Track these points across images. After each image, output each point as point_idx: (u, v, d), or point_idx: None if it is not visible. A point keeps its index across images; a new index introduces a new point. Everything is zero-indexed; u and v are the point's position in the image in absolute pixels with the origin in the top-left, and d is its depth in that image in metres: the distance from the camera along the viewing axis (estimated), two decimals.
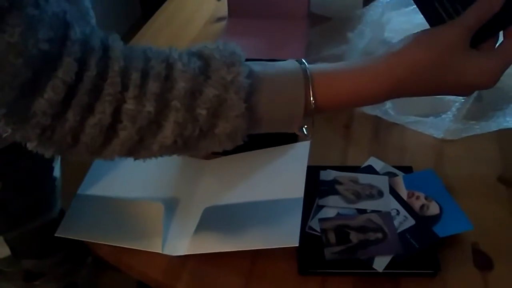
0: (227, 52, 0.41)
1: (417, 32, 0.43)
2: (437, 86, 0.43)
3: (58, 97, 0.35)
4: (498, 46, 0.44)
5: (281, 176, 0.58)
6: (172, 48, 0.41)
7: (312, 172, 0.58)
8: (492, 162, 0.63)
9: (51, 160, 0.66)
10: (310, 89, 0.42)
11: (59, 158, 0.68)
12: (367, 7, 0.88)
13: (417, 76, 0.42)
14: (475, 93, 0.70)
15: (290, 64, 0.44)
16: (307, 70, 0.43)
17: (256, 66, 0.43)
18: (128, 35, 0.94)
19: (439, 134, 0.67)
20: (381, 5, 0.86)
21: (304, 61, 0.44)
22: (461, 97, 0.69)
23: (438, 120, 0.67)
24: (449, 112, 0.69)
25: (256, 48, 0.87)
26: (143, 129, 0.39)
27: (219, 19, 0.97)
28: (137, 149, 0.41)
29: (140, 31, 0.95)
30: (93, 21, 0.56)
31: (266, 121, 0.43)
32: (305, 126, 0.45)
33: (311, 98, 0.42)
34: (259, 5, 0.94)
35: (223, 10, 0.96)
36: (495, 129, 0.65)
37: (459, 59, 0.42)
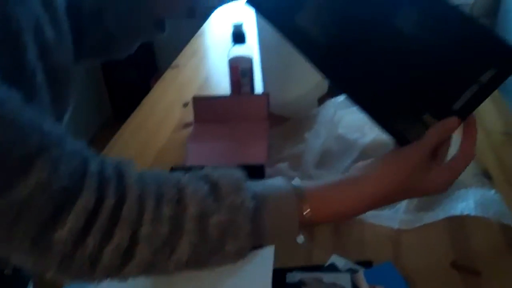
0: (233, 178, 0.47)
1: (387, 155, 0.53)
2: (404, 197, 0.56)
3: (78, 226, 0.38)
4: (450, 161, 0.53)
5: (246, 283, 0.60)
6: (180, 174, 0.46)
7: (278, 276, 0.61)
8: (444, 248, 0.68)
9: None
10: (304, 205, 0.49)
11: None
12: (321, 106, 0.97)
13: (391, 193, 0.51)
14: None
15: (281, 183, 0.50)
16: (300, 189, 0.50)
17: (257, 188, 0.48)
18: (99, 134, 0.99)
19: (395, 225, 0.72)
20: (333, 105, 0.94)
21: (295, 183, 0.51)
22: None
23: (392, 212, 0.73)
24: (402, 203, 0.75)
25: (221, 151, 0.94)
26: (158, 250, 0.42)
27: (186, 125, 1.03)
28: (153, 268, 0.44)
29: (110, 142, 1.00)
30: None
31: (268, 236, 0.49)
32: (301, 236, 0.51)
33: (305, 213, 0.49)
34: (223, 110, 1.02)
35: (190, 116, 1.03)
36: (442, 217, 0.70)
37: (421, 177, 0.51)
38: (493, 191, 0.75)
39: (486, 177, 0.80)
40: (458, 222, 0.71)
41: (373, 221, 0.73)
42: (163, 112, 1.10)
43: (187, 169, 0.82)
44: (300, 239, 0.50)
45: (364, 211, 0.51)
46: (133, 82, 2.52)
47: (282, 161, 0.85)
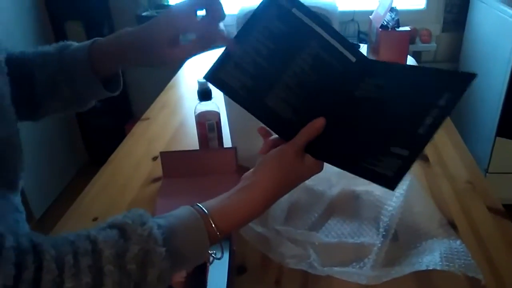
0: (136, 215, 0.51)
1: (267, 158, 0.60)
2: (290, 187, 0.61)
3: None
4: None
5: None
6: (88, 229, 0.49)
7: None
8: None
9: None
10: (210, 222, 0.54)
11: None
12: None
13: (279, 188, 0.59)
14: (391, 235, 0.77)
15: (185, 209, 0.55)
16: (202, 208, 0.55)
17: (161, 220, 0.52)
18: (76, 178, 0.97)
19: (362, 281, 0.72)
20: None
21: (198, 204, 0.56)
22: (378, 242, 0.76)
23: (359, 269, 0.72)
24: (370, 257, 0.75)
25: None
26: None
27: (155, 180, 1.03)
28: None
29: (77, 199, 0.99)
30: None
31: (183, 258, 0.53)
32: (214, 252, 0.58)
33: (212, 228, 0.54)
34: (191, 164, 1.01)
35: (158, 171, 1.03)
36: (409, 272, 0.70)
37: (299, 167, 0.60)
38: (458, 242, 0.76)
39: (452, 227, 0.82)
40: (425, 276, 0.71)
41: (341, 277, 0.72)
42: (133, 166, 1.09)
43: None
44: (217, 255, 0.58)
45: (264, 210, 0.58)
46: (108, 127, 2.51)
47: None
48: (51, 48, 0.72)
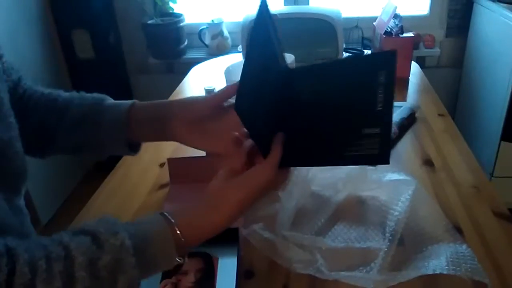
0: (109, 223, 0.53)
1: (237, 181, 0.59)
2: (253, 203, 0.59)
3: None
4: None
5: None
6: (61, 232, 0.52)
7: None
8: None
9: None
10: (178, 233, 0.55)
11: None
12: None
13: (244, 206, 0.58)
14: (397, 239, 0.78)
15: (154, 218, 0.57)
16: (172, 220, 0.56)
17: (132, 228, 0.54)
18: (82, 184, 0.98)
19: (369, 285, 0.72)
20: None
21: (166, 213, 0.57)
22: (384, 246, 0.77)
23: (366, 273, 0.73)
24: (376, 261, 0.75)
25: None
26: None
27: (162, 186, 1.04)
28: None
29: (86, 205, 1.00)
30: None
31: (152, 266, 0.54)
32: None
33: (180, 239, 0.55)
34: (198, 171, 1.02)
35: (166, 177, 1.04)
36: (415, 276, 0.71)
37: (270, 187, 0.60)
38: (464, 246, 0.77)
39: (458, 231, 0.82)
40: (432, 280, 0.72)
41: (348, 282, 0.73)
42: (140, 172, 1.10)
43: None
44: (181, 260, 0.58)
45: (227, 226, 0.58)
46: None
47: (257, 222, 0.85)
48: (89, 97, 0.75)
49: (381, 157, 0.58)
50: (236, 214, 0.58)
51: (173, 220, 0.56)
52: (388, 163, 0.57)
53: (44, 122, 0.74)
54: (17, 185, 0.65)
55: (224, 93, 0.67)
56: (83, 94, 0.76)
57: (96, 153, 0.77)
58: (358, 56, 0.59)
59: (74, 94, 0.76)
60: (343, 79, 0.59)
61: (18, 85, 0.75)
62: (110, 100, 0.75)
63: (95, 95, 0.76)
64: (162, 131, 0.70)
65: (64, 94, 0.77)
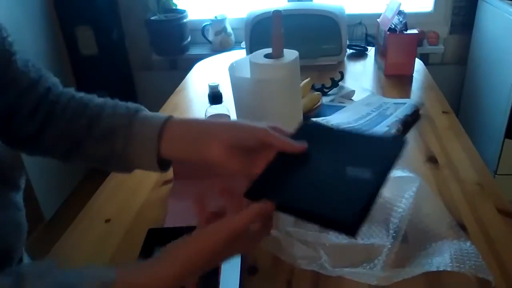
0: (42, 267, 0.49)
1: (187, 242, 0.54)
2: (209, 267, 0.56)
3: None
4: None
5: None
6: None
7: None
8: None
9: None
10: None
11: None
12: None
13: (194, 270, 0.54)
14: (401, 236, 0.78)
15: (92, 271, 0.51)
16: (111, 278, 0.50)
17: (68, 275, 0.50)
18: (86, 180, 0.99)
19: (373, 281, 0.72)
20: None
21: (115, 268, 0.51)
22: (388, 243, 0.77)
23: (369, 270, 0.73)
24: (380, 258, 0.75)
25: None
26: None
27: (166, 182, 1.04)
28: None
29: (89, 201, 1.00)
30: None
31: None
32: None
33: None
34: (202, 167, 1.02)
35: (169, 173, 1.04)
36: (419, 273, 0.71)
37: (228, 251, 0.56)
38: (468, 243, 0.76)
39: (462, 228, 0.82)
40: (435, 277, 0.72)
41: (351, 278, 0.73)
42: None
43: (164, 231, 0.82)
44: None
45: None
46: None
47: None
48: (122, 106, 0.71)
49: (348, 225, 0.50)
50: (186, 270, 0.52)
51: (113, 281, 0.50)
52: (353, 235, 0.50)
53: (71, 129, 0.69)
54: (13, 179, 0.64)
55: (279, 143, 0.62)
56: (117, 102, 0.72)
57: (123, 167, 0.71)
58: (377, 137, 0.66)
59: (108, 101, 0.72)
60: (357, 149, 0.60)
61: (50, 91, 0.72)
62: (144, 112, 0.70)
63: (130, 104, 0.71)
64: (196, 150, 0.65)
65: (97, 100, 0.72)
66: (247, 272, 0.76)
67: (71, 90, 0.74)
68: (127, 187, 1.04)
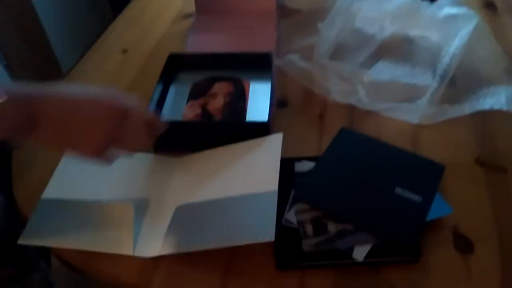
0: None
1: None
2: None
3: None
4: None
5: (254, 169, 0.56)
6: None
7: (287, 164, 0.56)
8: (468, 145, 0.63)
9: None
10: None
11: None
12: None
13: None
14: (449, 77, 0.69)
15: None
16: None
17: None
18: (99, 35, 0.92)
19: (415, 120, 0.66)
20: None
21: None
22: (435, 83, 0.68)
23: (413, 106, 0.66)
24: (423, 98, 0.68)
25: (226, 43, 0.86)
26: None
27: (187, 16, 0.94)
28: None
29: (108, 28, 0.92)
30: None
31: None
32: None
33: None
34: (227, 1, 0.92)
35: (191, 7, 0.94)
36: (469, 112, 0.64)
37: None
38: None
39: None
40: (482, 118, 0.65)
41: (390, 115, 0.67)
42: (162, 2, 1.00)
43: (186, 56, 0.75)
44: None
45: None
46: None
47: (292, 53, 0.77)
48: None
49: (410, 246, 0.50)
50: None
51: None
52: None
53: None
54: None
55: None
56: None
57: None
58: (416, 157, 0.60)
59: None
60: (400, 168, 0.58)
61: None
62: None
63: None
64: None
65: None
66: (276, 105, 0.70)
67: None
68: (145, 19, 0.95)
